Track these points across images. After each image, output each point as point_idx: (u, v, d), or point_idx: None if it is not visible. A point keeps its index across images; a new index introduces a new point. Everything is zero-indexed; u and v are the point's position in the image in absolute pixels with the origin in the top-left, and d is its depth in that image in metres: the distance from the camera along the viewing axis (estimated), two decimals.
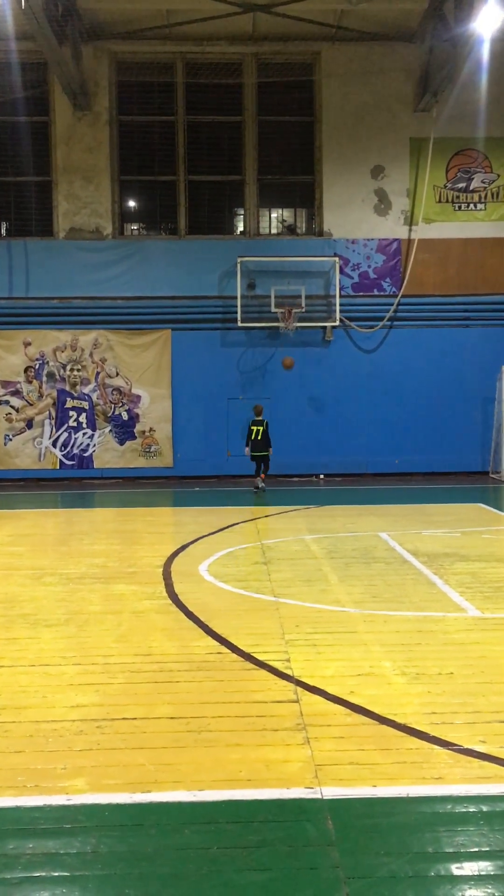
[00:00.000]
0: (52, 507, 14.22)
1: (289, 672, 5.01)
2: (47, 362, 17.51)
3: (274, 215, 18.31)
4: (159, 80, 17.72)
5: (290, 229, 18.25)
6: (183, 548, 9.42)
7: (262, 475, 15.61)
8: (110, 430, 17.61)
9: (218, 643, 5.65)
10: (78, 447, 17.57)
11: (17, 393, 17.55)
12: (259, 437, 15.45)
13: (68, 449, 17.56)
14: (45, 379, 17.54)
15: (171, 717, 4.34)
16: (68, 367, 17.54)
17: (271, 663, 5.17)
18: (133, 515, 12.82)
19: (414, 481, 17.31)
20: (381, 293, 17.79)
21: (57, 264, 17.50)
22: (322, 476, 17.76)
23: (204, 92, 17.86)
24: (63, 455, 17.55)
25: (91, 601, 6.93)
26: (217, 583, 7.58)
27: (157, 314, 17.56)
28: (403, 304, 17.72)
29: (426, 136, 17.50)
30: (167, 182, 17.94)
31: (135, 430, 17.61)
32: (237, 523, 11.29)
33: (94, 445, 17.60)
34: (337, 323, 17.44)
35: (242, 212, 18.07)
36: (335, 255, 17.58)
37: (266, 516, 12.02)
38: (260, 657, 5.30)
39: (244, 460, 15.98)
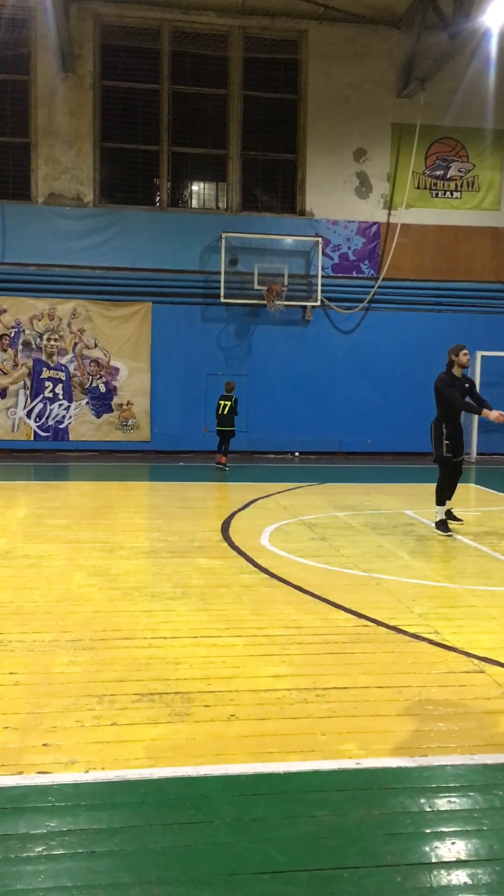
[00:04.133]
0: (52, 480, 13.93)
1: (448, 644, 5.23)
2: (23, 330, 17.10)
3: (256, 192, 18.28)
4: (145, 47, 17.42)
5: (271, 207, 18.26)
6: (227, 522, 9.50)
7: (224, 457, 15.01)
8: (87, 403, 17.36)
9: (354, 616, 5.80)
10: (53, 419, 17.25)
11: None
12: (226, 412, 14.94)
13: (43, 420, 17.23)
14: (20, 347, 17.13)
15: (380, 687, 4.48)
16: (45, 337, 17.17)
17: (425, 636, 5.37)
18: (145, 489, 12.79)
19: (385, 460, 17.77)
20: (360, 275, 18.10)
21: (35, 230, 17.06)
22: (297, 454, 18.01)
23: (190, 62, 17.67)
24: (38, 426, 17.20)
25: (187, 574, 6.95)
26: (294, 558, 7.72)
27: (138, 286, 17.38)
28: (380, 287, 18.08)
29: (408, 122, 17.83)
30: (150, 152, 17.70)
31: (112, 403, 17.42)
32: (257, 499, 11.41)
33: (70, 417, 17.32)
34: (318, 303, 17.66)
35: (226, 186, 18.00)
36: (317, 234, 17.76)
37: (278, 493, 12.16)
38: (410, 630, 5.49)
39: None
